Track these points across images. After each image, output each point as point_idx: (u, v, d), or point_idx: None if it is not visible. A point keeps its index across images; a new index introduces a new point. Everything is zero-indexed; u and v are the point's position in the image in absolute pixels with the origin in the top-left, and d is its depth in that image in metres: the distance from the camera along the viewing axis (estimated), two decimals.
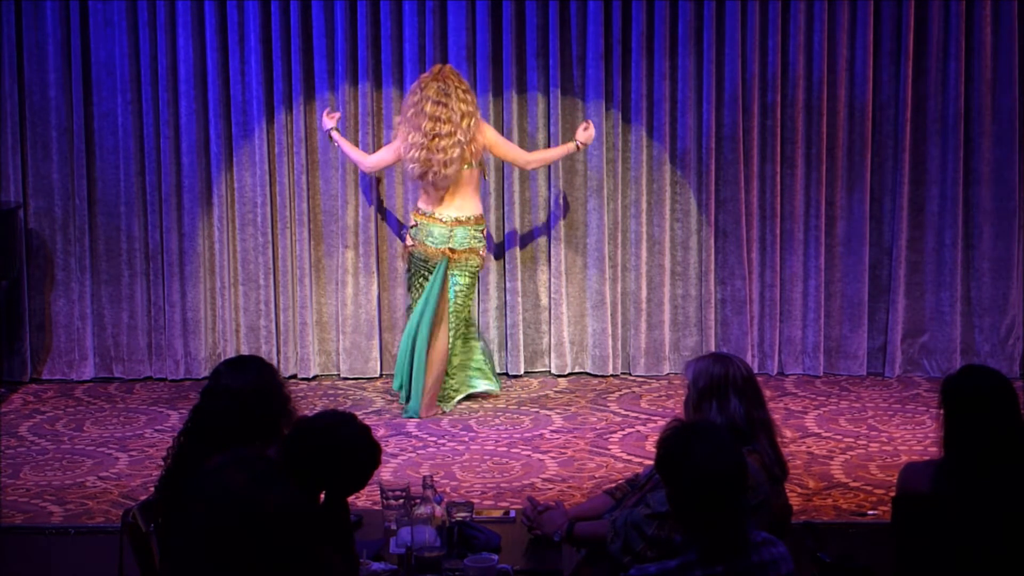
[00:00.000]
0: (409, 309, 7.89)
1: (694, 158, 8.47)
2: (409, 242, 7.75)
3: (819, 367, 8.54)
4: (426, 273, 7.70)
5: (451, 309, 7.75)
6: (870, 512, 6.28)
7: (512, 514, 5.00)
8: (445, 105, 7.50)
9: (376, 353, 8.61)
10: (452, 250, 7.63)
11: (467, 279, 7.75)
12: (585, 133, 7.89)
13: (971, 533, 4.10)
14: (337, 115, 8.12)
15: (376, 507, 5.28)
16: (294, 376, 8.60)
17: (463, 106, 7.53)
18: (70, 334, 8.62)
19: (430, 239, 7.63)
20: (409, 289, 7.88)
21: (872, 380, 8.48)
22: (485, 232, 7.83)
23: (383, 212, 8.58)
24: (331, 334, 8.66)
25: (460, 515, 4.74)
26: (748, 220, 8.47)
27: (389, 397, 8.24)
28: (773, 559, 3.67)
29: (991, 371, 4.36)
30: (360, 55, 8.42)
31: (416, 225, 7.69)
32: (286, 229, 8.55)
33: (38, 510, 6.52)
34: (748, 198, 8.46)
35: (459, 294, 7.75)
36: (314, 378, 8.64)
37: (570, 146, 7.94)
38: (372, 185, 8.52)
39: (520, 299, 8.58)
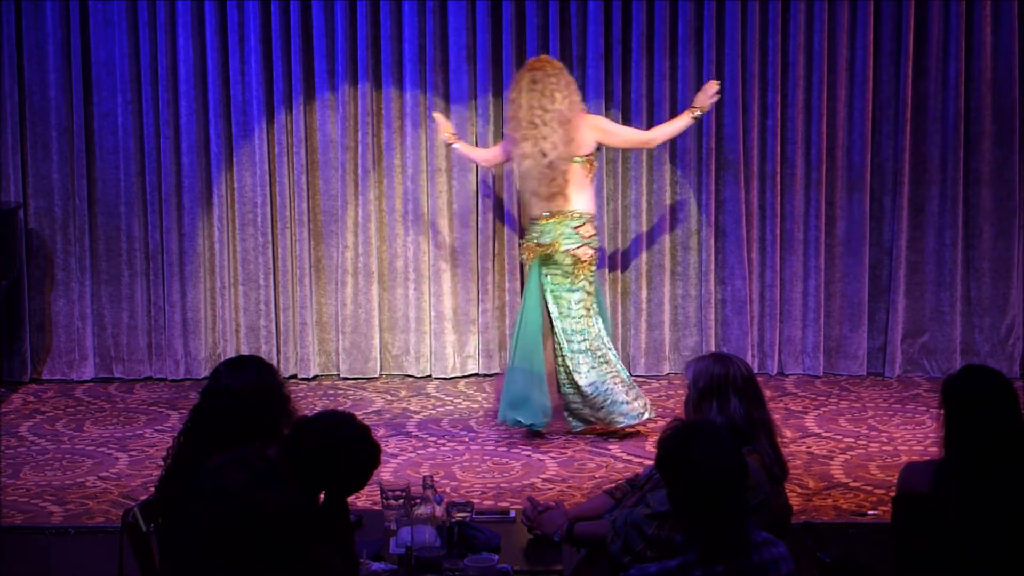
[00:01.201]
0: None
1: (694, 158, 8.47)
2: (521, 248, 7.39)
3: (819, 367, 8.54)
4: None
5: (557, 316, 7.24)
6: (870, 512, 6.28)
7: (512, 514, 5.00)
8: (540, 92, 7.12)
9: (376, 353, 8.61)
10: (543, 244, 7.19)
11: (568, 285, 7.21)
12: (704, 95, 7.35)
13: (971, 533, 4.09)
14: (450, 131, 7.68)
15: (376, 507, 5.28)
16: (294, 376, 8.60)
17: (557, 93, 7.13)
18: (70, 334, 8.62)
19: (536, 239, 7.22)
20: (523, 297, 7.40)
21: (872, 380, 8.48)
22: (592, 233, 7.22)
23: (383, 212, 8.58)
24: (331, 334, 8.66)
25: (460, 515, 4.74)
26: (748, 220, 8.47)
27: (389, 397, 8.25)
28: (773, 559, 3.67)
29: (991, 371, 4.35)
30: (360, 55, 8.42)
31: (531, 226, 7.29)
32: (286, 229, 8.55)
33: (38, 510, 6.52)
34: (748, 198, 8.46)
35: (557, 301, 7.24)
36: (314, 378, 8.64)
37: (688, 116, 7.38)
38: (372, 185, 8.53)
39: (520, 299, 8.57)
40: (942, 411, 4.27)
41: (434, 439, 7.45)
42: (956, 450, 4.23)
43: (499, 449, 7.28)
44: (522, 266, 7.44)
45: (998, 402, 4.21)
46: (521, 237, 7.40)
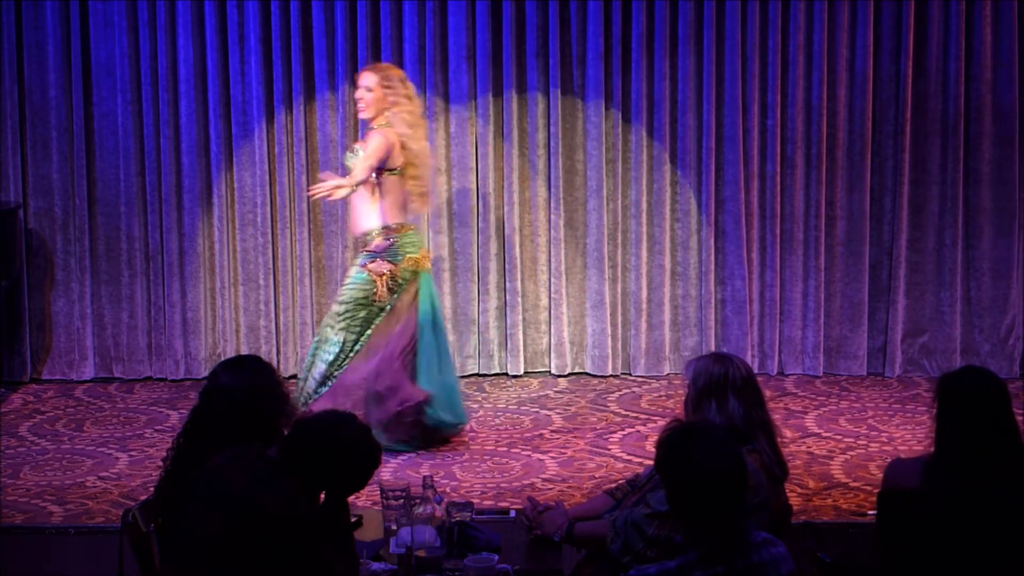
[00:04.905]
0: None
1: (694, 158, 8.47)
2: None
3: (819, 367, 8.54)
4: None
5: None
6: (870, 512, 6.28)
7: (512, 514, 5.00)
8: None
9: None
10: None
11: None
12: None
13: (956, 531, 4.07)
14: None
15: (376, 507, 5.28)
16: (294, 376, 8.58)
17: None
18: (70, 334, 8.62)
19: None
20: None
21: (872, 380, 8.48)
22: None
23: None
24: None
25: (460, 515, 4.74)
26: (748, 220, 8.47)
27: None
28: (773, 559, 3.67)
29: (989, 373, 4.33)
30: (360, 55, 8.42)
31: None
32: (286, 229, 8.55)
33: (38, 510, 6.52)
34: (748, 198, 8.46)
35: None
36: None
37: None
38: None
39: (520, 299, 8.58)
40: (935, 407, 4.25)
41: None
42: (946, 447, 4.21)
43: (499, 449, 7.28)
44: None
45: (991, 404, 4.19)
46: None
